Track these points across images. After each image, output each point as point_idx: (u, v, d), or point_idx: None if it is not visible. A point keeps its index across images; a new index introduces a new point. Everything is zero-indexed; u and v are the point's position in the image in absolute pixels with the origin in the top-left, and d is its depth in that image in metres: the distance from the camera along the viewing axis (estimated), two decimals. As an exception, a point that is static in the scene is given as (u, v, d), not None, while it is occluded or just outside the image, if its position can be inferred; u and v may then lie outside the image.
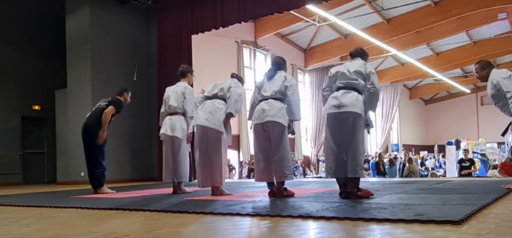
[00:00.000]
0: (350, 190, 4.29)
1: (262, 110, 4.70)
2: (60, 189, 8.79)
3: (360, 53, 4.69)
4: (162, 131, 5.94)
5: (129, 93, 6.97)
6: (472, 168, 13.09)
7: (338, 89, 4.46)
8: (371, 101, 4.36)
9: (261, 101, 4.78)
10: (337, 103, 4.35)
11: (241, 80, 5.47)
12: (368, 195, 4.33)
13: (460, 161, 13.35)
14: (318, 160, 19.70)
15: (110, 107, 6.55)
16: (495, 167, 13.34)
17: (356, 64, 4.49)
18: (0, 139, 11.81)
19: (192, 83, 6.24)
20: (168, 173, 5.94)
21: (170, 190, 6.18)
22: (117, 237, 2.62)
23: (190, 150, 6.30)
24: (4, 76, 12.10)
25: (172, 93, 5.98)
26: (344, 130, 4.32)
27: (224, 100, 5.16)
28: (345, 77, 4.44)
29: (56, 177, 12.31)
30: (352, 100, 4.29)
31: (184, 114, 5.91)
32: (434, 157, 22.21)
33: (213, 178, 5.07)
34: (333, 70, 4.64)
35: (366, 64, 4.52)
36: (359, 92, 4.37)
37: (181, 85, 6.03)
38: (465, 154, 13.40)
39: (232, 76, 5.49)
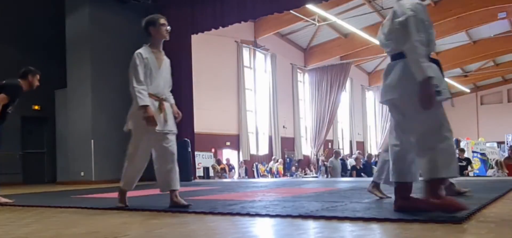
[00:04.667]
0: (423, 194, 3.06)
1: None
2: (60, 189, 8.78)
3: None
4: None
5: (37, 76, 5.62)
6: (469, 167, 13.06)
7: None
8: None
9: None
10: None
11: None
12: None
13: (456, 161, 13.32)
14: (317, 160, 19.71)
15: (1, 96, 5.30)
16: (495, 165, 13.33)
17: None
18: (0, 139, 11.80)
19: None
20: None
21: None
22: (117, 237, 2.62)
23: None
24: (4, 76, 12.07)
25: None
26: None
27: None
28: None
29: (56, 177, 12.31)
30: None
31: None
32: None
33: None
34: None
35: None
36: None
37: None
38: (460, 154, 13.38)
39: None
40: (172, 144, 4.03)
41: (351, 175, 12.82)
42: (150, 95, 3.95)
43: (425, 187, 2.90)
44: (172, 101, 4.25)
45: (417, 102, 2.82)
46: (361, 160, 13.72)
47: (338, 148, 22.93)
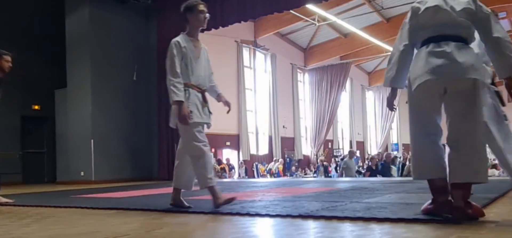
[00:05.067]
0: (454, 203, 2.70)
1: None
2: (60, 188, 8.79)
3: None
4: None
5: (6, 57, 5.21)
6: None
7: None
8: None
9: None
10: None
11: None
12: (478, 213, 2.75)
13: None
14: (317, 159, 19.72)
15: None
16: (494, 166, 13.33)
17: None
18: (0, 138, 11.81)
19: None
20: None
21: (168, 189, 6.09)
22: (117, 237, 2.62)
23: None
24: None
25: None
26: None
27: None
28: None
29: (56, 177, 12.32)
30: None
31: None
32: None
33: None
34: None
35: None
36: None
37: None
38: None
39: None
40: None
41: (364, 176, 12.32)
42: (192, 86, 3.67)
43: (459, 191, 2.66)
44: (219, 91, 4.04)
45: (479, 94, 2.65)
46: (377, 160, 12.86)
47: (338, 147, 22.96)
